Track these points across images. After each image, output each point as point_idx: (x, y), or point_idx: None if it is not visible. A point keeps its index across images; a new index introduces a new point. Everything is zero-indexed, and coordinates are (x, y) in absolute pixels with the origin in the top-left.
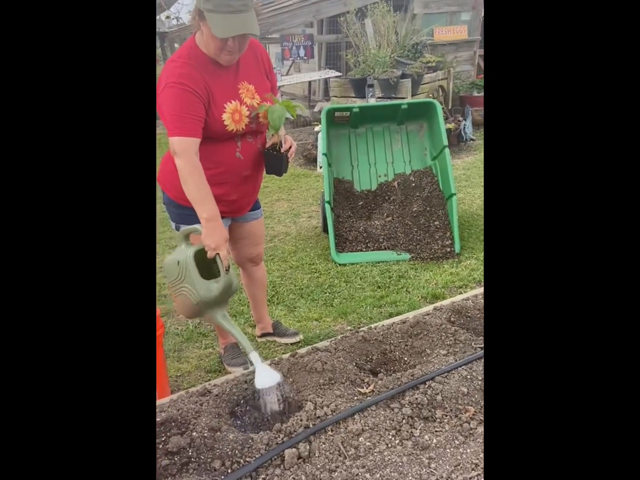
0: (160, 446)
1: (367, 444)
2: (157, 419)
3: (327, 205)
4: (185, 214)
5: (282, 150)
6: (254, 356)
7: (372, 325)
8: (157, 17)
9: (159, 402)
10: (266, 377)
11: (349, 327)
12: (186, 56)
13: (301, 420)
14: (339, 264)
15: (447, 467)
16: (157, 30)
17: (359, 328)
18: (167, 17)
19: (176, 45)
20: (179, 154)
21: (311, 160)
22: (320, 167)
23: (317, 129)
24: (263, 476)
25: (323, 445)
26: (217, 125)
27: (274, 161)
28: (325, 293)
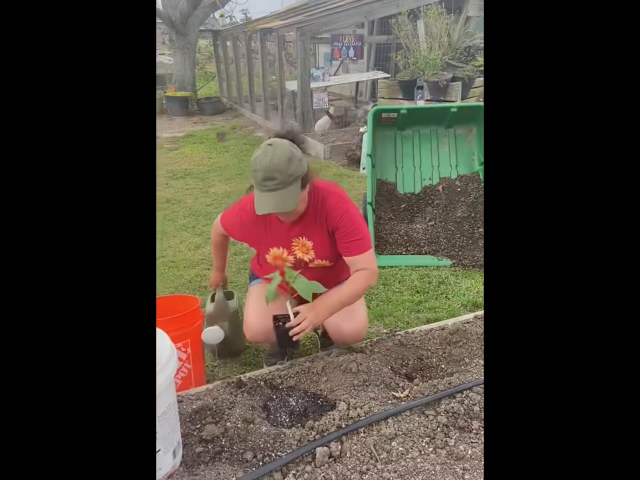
0: (195, 433)
1: (400, 449)
2: (194, 406)
3: (368, 207)
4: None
5: (287, 324)
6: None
7: (410, 330)
8: (211, 15)
9: (196, 389)
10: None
11: (384, 330)
12: None
13: (334, 419)
14: (378, 266)
15: (481, 479)
16: (211, 28)
17: (395, 331)
18: (221, 16)
19: (228, 43)
20: (213, 230)
21: (354, 161)
22: (363, 169)
23: (362, 130)
24: (294, 472)
25: (355, 446)
26: (261, 258)
27: (274, 331)
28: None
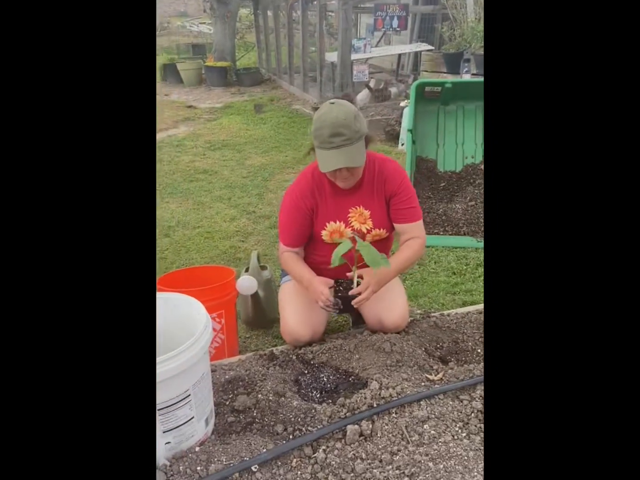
0: (227, 403)
1: (432, 432)
2: (226, 377)
3: None
4: None
5: (350, 292)
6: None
7: (446, 312)
8: None
9: (229, 360)
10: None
11: (418, 311)
12: (310, 172)
13: (365, 398)
14: None
15: None
16: None
17: (429, 313)
18: None
19: (269, 12)
20: (279, 252)
21: (393, 137)
22: (402, 145)
23: (402, 104)
24: (324, 447)
25: (386, 427)
26: (316, 236)
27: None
28: None
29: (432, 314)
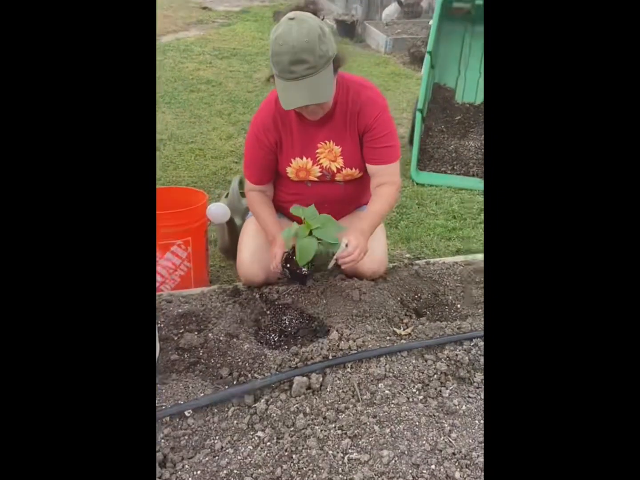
0: (175, 338)
1: (386, 392)
2: (179, 310)
3: (418, 114)
4: None
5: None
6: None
7: (431, 261)
8: None
9: (188, 291)
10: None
11: (407, 255)
12: (274, 99)
13: (321, 348)
14: (417, 183)
15: (470, 440)
16: None
17: (418, 258)
18: None
19: None
20: (245, 190)
21: (418, 60)
22: None
23: (430, 22)
24: (267, 397)
25: (337, 382)
26: (282, 173)
27: (283, 268)
28: (393, 212)
29: (416, 262)
